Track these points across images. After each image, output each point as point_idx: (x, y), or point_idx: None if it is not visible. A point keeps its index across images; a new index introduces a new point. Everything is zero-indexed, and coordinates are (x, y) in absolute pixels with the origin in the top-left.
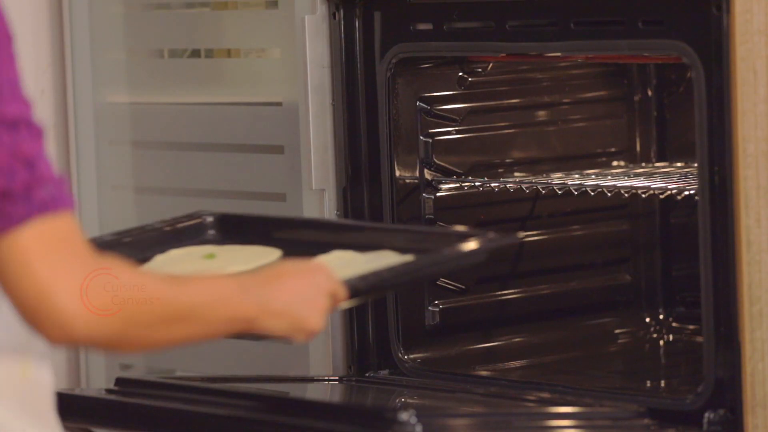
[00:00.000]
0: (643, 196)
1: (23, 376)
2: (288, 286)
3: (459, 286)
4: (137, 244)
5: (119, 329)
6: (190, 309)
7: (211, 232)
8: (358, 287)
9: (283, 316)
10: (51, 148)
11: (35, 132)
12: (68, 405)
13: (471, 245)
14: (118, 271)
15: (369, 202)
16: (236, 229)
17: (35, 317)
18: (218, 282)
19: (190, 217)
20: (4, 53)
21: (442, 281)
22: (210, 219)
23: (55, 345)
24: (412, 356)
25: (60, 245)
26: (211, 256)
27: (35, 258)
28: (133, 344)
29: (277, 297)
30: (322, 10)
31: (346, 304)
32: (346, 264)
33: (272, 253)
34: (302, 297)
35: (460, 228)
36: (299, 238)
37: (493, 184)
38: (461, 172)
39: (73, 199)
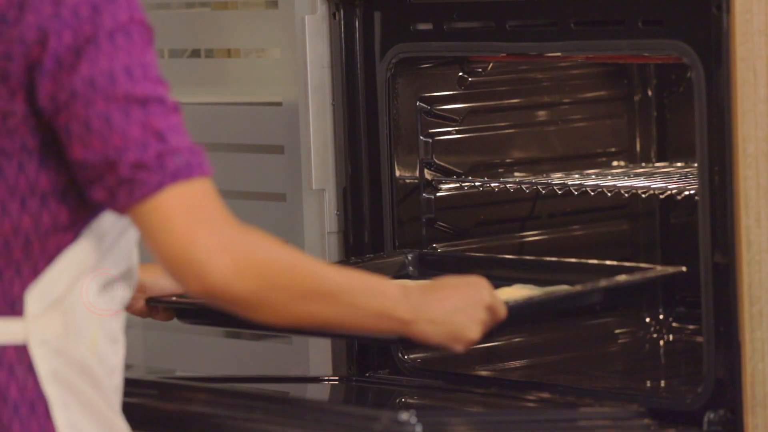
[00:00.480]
0: (643, 196)
1: (92, 348)
2: (447, 296)
3: None
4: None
5: (257, 290)
6: (340, 289)
7: (410, 268)
8: (516, 307)
9: (440, 324)
10: None
11: (167, 108)
12: None
13: (624, 277)
14: (261, 235)
15: (369, 202)
16: (433, 266)
17: (178, 271)
18: (379, 279)
19: (391, 254)
20: (139, 41)
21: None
22: (410, 256)
23: (198, 297)
24: (411, 356)
25: (198, 206)
26: None
27: (175, 218)
28: (271, 310)
29: (436, 305)
30: (322, 10)
31: (501, 327)
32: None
33: None
34: (460, 307)
35: (644, 265)
36: (492, 274)
37: (493, 184)
38: (461, 172)
39: (209, 167)
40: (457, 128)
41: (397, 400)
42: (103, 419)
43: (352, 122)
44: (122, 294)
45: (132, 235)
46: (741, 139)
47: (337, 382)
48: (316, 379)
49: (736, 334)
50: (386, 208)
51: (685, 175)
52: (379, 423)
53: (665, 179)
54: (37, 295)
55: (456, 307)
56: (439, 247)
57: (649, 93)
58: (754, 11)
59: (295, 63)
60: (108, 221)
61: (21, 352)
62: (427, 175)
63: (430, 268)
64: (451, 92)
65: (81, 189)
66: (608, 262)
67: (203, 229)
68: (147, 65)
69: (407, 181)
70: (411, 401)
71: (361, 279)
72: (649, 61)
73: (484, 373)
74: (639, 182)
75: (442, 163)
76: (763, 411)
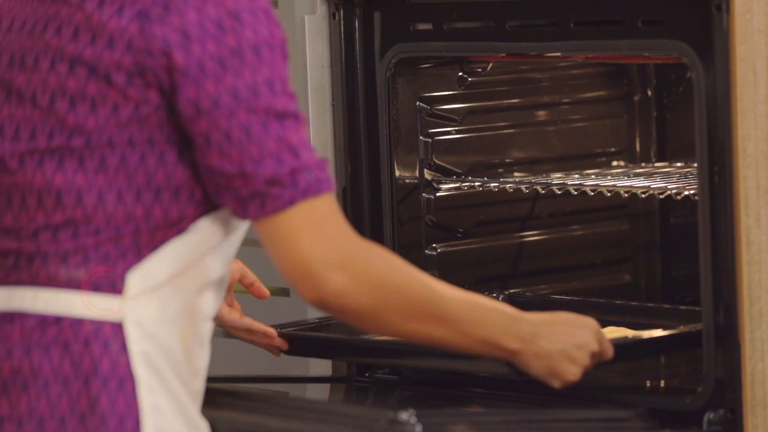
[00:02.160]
0: (643, 196)
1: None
2: (558, 333)
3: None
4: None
5: (369, 305)
6: (451, 313)
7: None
8: (624, 348)
9: (544, 359)
10: None
11: (299, 122)
12: None
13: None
14: (379, 251)
15: (369, 202)
16: (521, 307)
17: (297, 282)
18: (493, 304)
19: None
20: (279, 54)
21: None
22: (500, 298)
23: (313, 305)
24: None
25: (322, 222)
26: None
27: (300, 233)
28: (381, 324)
29: (545, 341)
30: (322, 10)
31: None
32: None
33: None
34: (568, 348)
35: None
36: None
37: (492, 184)
38: (461, 172)
39: (332, 182)
40: (456, 128)
41: (397, 400)
42: (186, 412)
43: (352, 122)
44: (212, 302)
45: (234, 243)
46: (741, 139)
47: (337, 382)
48: (316, 379)
49: (736, 334)
50: (386, 208)
51: (685, 175)
52: (379, 423)
53: (665, 179)
54: (137, 278)
55: (563, 347)
56: (439, 247)
57: (649, 93)
58: (754, 11)
59: (295, 63)
60: (215, 224)
61: (117, 329)
62: (427, 175)
63: (519, 308)
64: (450, 92)
65: (210, 193)
66: (683, 308)
67: (325, 244)
68: (284, 79)
69: (407, 181)
70: (411, 401)
71: (473, 304)
72: (649, 61)
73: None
74: (639, 182)
75: (442, 163)
76: (763, 411)
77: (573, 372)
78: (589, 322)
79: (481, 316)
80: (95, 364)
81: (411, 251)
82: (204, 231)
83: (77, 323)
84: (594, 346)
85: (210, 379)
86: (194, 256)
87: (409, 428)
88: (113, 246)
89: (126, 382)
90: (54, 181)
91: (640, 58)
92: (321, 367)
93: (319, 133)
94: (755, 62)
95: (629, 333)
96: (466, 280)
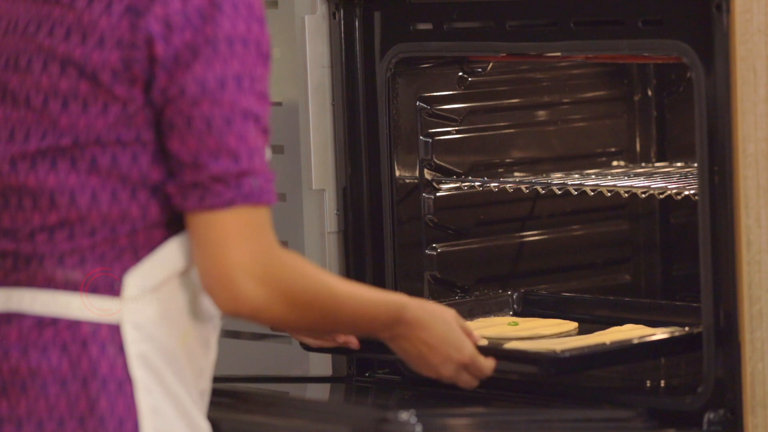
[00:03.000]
0: (643, 196)
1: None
2: (422, 341)
3: (460, 285)
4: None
5: (279, 319)
6: (343, 318)
7: (514, 306)
8: (623, 352)
9: (404, 354)
10: None
11: (260, 127)
12: None
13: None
14: (299, 266)
15: (369, 202)
16: (535, 305)
17: (215, 287)
18: (382, 304)
19: (497, 294)
20: (254, 52)
21: (442, 274)
22: (515, 295)
23: (224, 312)
24: None
25: (253, 233)
26: (514, 323)
27: (229, 240)
28: (285, 326)
29: (409, 341)
30: (322, 10)
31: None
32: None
33: (568, 325)
34: (423, 356)
35: None
36: (593, 313)
37: (492, 184)
38: (461, 172)
39: (275, 196)
40: (456, 128)
41: (397, 400)
42: (186, 413)
43: (352, 122)
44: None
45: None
46: (741, 139)
47: (337, 382)
48: (316, 379)
49: (736, 334)
50: (386, 208)
51: (685, 175)
52: (379, 423)
53: (665, 179)
54: (135, 279)
55: (420, 354)
56: (439, 247)
57: (649, 93)
58: (754, 11)
59: (295, 63)
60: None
61: (114, 331)
62: (427, 175)
63: (533, 306)
64: (450, 92)
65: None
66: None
67: (252, 255)
68: (255, 78)
69: (407, 181)
70: (411, 401)
71: (364, 307)
72: (649, 61)
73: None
74: (639, 182)
75: (442, 163)
76: (763, 411)
77: (435, 372)
78: (459, 355)
79: (372, 315)
80: (93, 365)
81: (411, 251)
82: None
83: (75, 324)
84: (446, 371)
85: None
86: (192, 257)
87: (409, 428)
88: (109, 246)
89: (124, 383)
90: (47, 182)
91: (640, 58)
92: (321, 367)
93: (319, 133)
94: (755, 62)
95: (648, 331)
96: (466, 280)
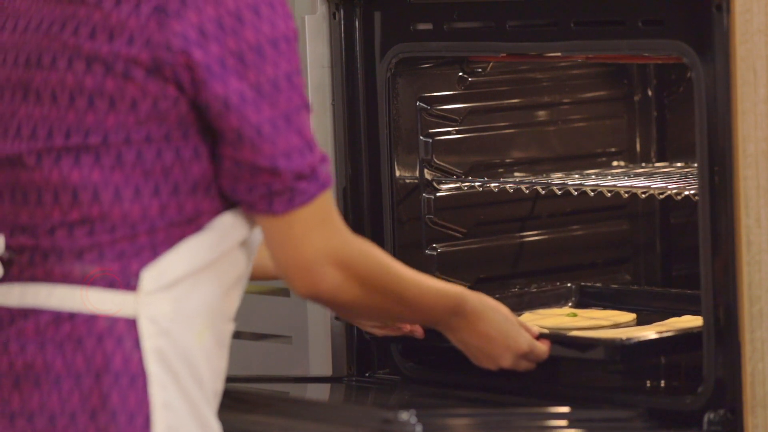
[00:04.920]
0: (643, 196)
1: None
2: (480, 335)
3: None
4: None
5: (354, 301)
6: (411, 303)
7: (573, 298)
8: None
9: (463, 345)
10: None
11: (309, 114)
12: None
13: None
14: (369, 249)
15: (369, 202)
16: (592, 297)
17: (296, 276)
18: (443, 292)
19: (554, 287)
20: (294, 47)
21: (442, 274)
22: (572, 287)
23: (305, 298)
24: (411, 356)
25: (328, 217)
26: (572, 314)
27: (311, 228)
28: (358, 311)
29: (467, 333)
30: (322, 10)
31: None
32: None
33: (627, 316)
34: (479, 349)
35: None
36: (651, 305)
37: (492, 184)
38: (461, 172)
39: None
40: (457, 128)
41: (397, 400)
42: (199, 411)
43: (352, 122)
44: (234, 301)
45: (256, 241)
46: (741, 139)
47: (337, 382)
48: (316, 379)
49: (736, 334)
50: (386, 208)
51: (685, 175)
52: (379, 423)
53: (665, 179)
54: (152, 275)
55: (477, 347)
56: (439, 247)
57: (649, 93)
58: (754, 11)
59: None
60: (235, 222)
61: (131, 326)
62: (427, 175)
63: (590, 298)
64: (451, 92)
65: (226, 188)
66: None
67: (329, 239)
68: (299, 72)
69: (407, 181)
70: (411, 401)
71: (425, 294)
72: (649, 61)
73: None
74: (639, 182)
75: (442, 163)
76: (763, 411)
77: (495, 362)
78: (517, 345)
79: (433, 302)
80: (107, 360)
81: (411, 251)
82: (223, 229)
83: (91, 319)
84: (505, 362)
85: None
86: (213, 254)
87: (409, 428)
88: (129, 243)
89: (138, 378)
90: (70, 177)
91: (640, 58)
92: (321, 367)
93: (319, 133)
94: (755, 62)
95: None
96: (466, 280)
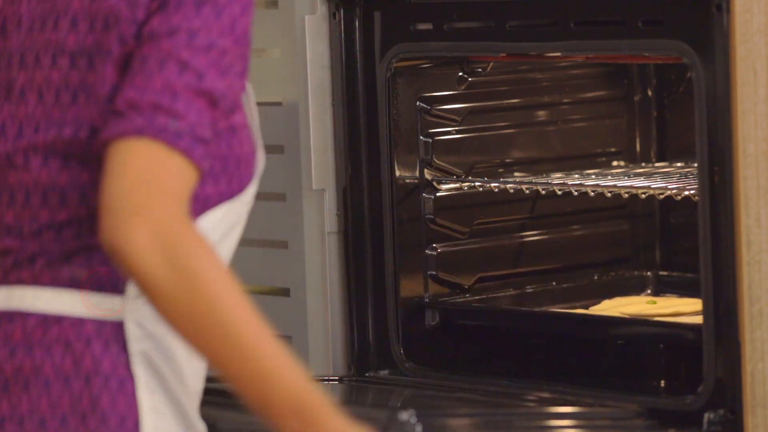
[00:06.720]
0: (643, 196)
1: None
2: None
3: (460, 284)
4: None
5: (159, 284)
6: (251, 348)
7: (651, 286)
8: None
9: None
10: None
11: (199, 89)
12: None
13: None
14: (206, 244)
15: (369, 202)
16: (670, 286)
17: (103, 212)
18: (281, 352)
19: (633, 276)
20: (227, 25)
21: (442, 274)
22: (650, 275)
23: (104, 244)
24: (411, 356)
25: (160, 177)
26: (652, 302)
27: (135, 172)
28: (161, 307)
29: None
30: (322, 10)
31: None
32: None
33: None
34: None
35: None
36: None
37: (493, 184)
38: (461, 172)
39: (203, 160)
40: (457, 128)
41: (397, 400)
42: (184, 414)
43: (352, 122)
44: None
45: (232, 241)
46: (741, 139)
47: (337, 382)
48: (316, 379)
49: (736, 334)
50: (386, 208)
51: (685, 175)
52: (379, 423)
53: (665, 179)
54: None
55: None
56: (439, 247)
57: (649, 93)
58: (754, 11)
59: (295, 63)
60: (211, 223)
61: (118, 329)
62: (427, 175)
63: (668, 287)
64: (451, 92)
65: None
66: None
67: (150, 198)
68: (216, 46)
69: (407, 181)
70: (411, 401)
71: (274, 360)
72: (649, 61)
73: (484, 372)
74: (639, 182)
75: (442, 163)
76: (763, 411)
77: None
78: None
79: (279, 376)
80: (96, 362)
81: (411, 251)
82: (206, 229)
83: (79, 322)
84: None
85: (210, 379)
86: None
87: (409, 428)
88: None
89: (126, 381)
90: (59, 178)
91: (640, 58)
92: (321, 367)
93: (319, 133)
94: (755, 62)
95: None
96: (466, 280)
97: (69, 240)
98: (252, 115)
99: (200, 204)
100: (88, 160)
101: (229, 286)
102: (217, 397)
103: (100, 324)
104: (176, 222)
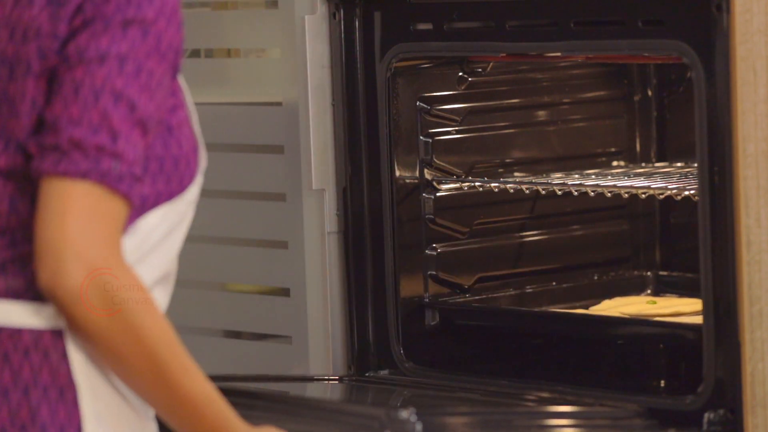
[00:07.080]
0: (643, 196)
1: None
2: None
3: (460, 284)
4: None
5: (98, 324)
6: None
7: (651, 286)
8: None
9: None
10: None
11: (136, 118)
12: None
13: None
14: (149, 300)
15: (369, 202)
16: (670, 286)
17: (42, 256)
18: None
19: (632, 275)
20: (153, 45)
21: (442, 274)
22: (650, 275)
23: (42, 288)
24: (411, 356)
25: (100, 220)
26: (652, 302)
27: (74, 214)
28: (97, 344)
29: None
30: (322, 10)
31: None
32: None
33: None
34: None
35: None
36: None
37: (493, 184)
38: (461, 172)
39: (138, 198)
40: (457, 128)
41: (397, 400)
42: (130, 419)
43: (352, 122)
44: (159, 298)
45: (176, 240)
46: (741, 139)
47: (337, 382)
48: (316, 379)
49: (736, 334)
50: (386, 208)
51: (685, 175)
52: (379, 422)
53: (665, 179)
54: None
55: None
56: (439, 247)
57: (649, 93)
58: (754, 11)
59: (295, 63)
60: (151, 224)
61: (57, 338)
62: (427, 175)
63: (668, 287)
64: (451, 92)
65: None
66: None
67: (90, 240)
68: (145, 69)
69: (407, 181)
70: (411, 401)
71: (202, 388)
72: (649, 61)
73: (484, 372)
74: (639, 182)
75: (442, 163)
76: (763, 411)
77: None
78: None
79: (208, 401)
80: (35, 374)
81: (411, 251)
82: (143, 233)
83: (16, 333)
84: None
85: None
86: (134, 257)
87: (409, 427)
88: None
89: (67, 391)
90: None
91: (640, 58)
92: (321, 367)
93: (319, 133)
94: (755, 62)
95: None
96: (466, 280)
97: (2, 250)
98: (191, 112)
99: (138, 205)
100: (15, 171)
101: (161, 329)
102: None
103: (38, 334)
104: (114, 267)
